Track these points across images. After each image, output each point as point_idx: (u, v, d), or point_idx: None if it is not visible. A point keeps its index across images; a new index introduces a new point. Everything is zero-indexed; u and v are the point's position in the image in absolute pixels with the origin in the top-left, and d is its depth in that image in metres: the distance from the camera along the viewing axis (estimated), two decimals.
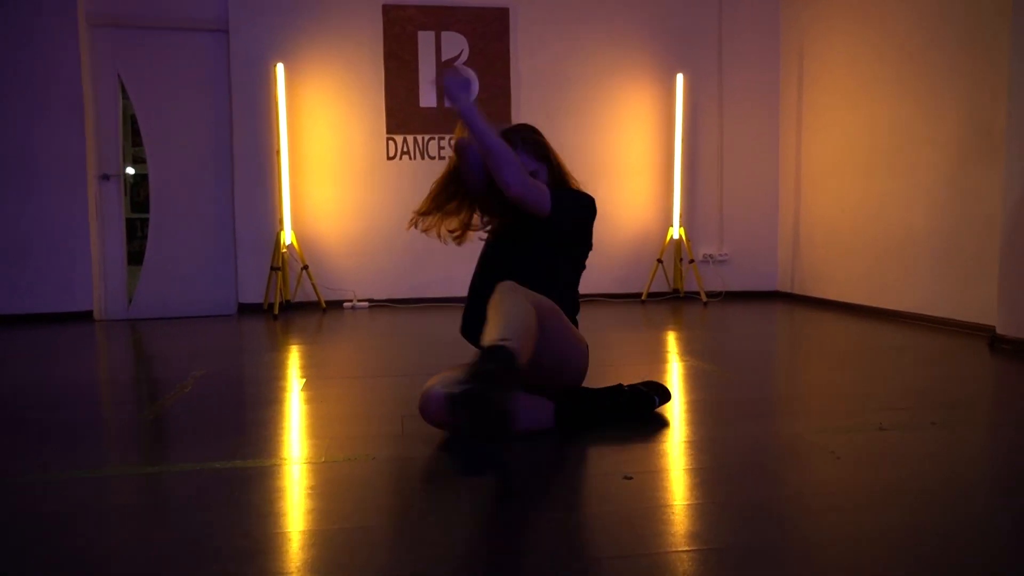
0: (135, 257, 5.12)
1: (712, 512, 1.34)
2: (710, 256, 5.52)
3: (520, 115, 5.25)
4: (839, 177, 4.80)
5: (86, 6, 4.77)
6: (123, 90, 4.93)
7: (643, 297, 5.31)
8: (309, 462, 1.68)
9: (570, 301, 2.06)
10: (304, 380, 2.66)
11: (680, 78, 5.25)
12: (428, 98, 5.16)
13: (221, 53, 4.95)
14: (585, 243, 2.12)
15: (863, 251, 4.54)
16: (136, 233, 5.26)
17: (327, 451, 1.76)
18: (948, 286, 3.81)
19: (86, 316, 4.82)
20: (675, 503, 1.40)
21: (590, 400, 1.94)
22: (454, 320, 4.26)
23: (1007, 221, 3.14)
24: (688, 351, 3.20)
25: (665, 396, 2.06)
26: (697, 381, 2.54)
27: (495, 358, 1.41)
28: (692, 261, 5.23)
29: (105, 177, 4.91)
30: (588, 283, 5.37)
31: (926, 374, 2.69)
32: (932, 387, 2.43)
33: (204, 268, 5.06)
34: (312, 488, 1.51)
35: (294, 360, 3.17)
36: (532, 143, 2.10)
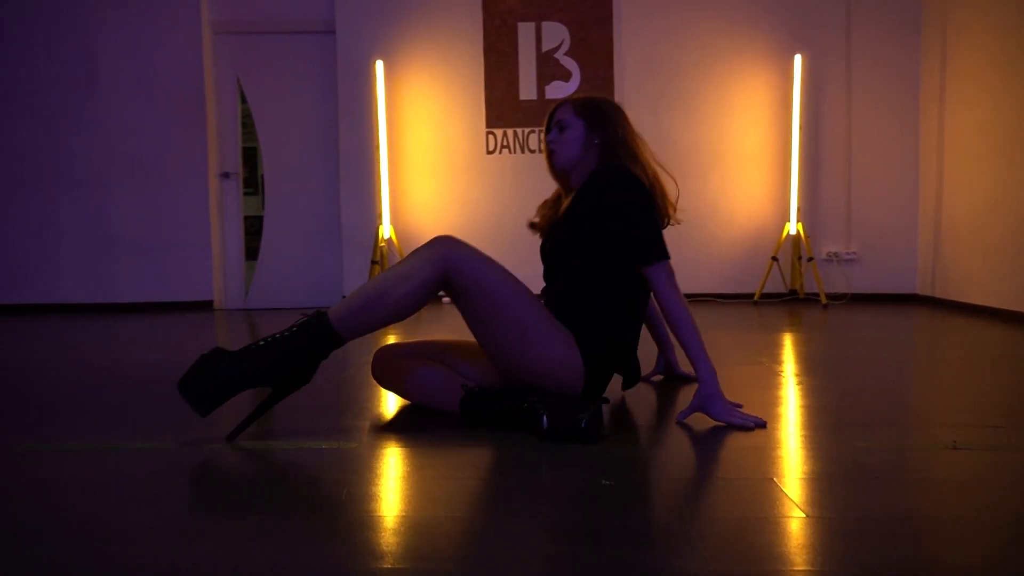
0: (252, 253, 5.40)
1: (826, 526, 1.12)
2: (835, 254, 5.01)
3: (624, 105, 4.93)
4: (989, 166, 4.18)
5: (210, 16, 5.10)
6: (241, 93, 5.21)
7: (755, 298, 4.91)
8: (396, 446, 1.61)
9: (604, 327, 1.77)
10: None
11: (798, 59, 4.80)
12: (528, 90, 5.05)
13: (328, 53, 5.11)
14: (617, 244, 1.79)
15: (1021, 251, 3.92)
16: (251, 229, 5.55)
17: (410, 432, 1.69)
18: None
19: (207, 305, 5.14)
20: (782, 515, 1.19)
21: (496, 398, 1.70)
22: None
23: None
24: (795, 356, 2.87)
25: (591, 418, 1.57)
26: (800, 389, 2.25)
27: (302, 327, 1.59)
28: (811, 259, 4.75)
29: (225, 175, 5.21)
30: (696, 282, 5.09)
31: None
32: None
33: (312, 262, 5.24)
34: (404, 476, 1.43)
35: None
36: (581, 100, 1.94)
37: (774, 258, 4.86)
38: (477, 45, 5.03)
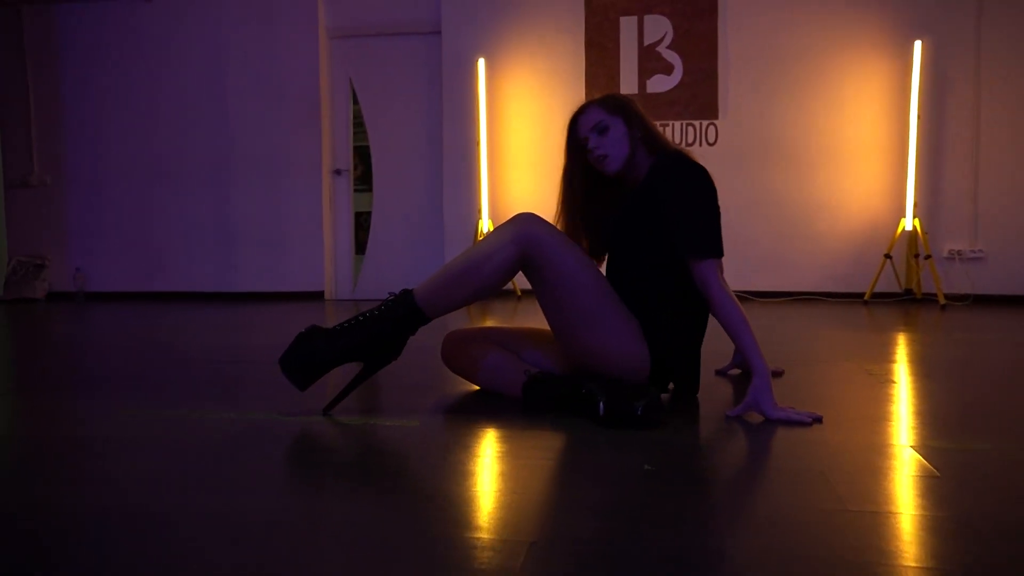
0: (360, 247, 5.66)
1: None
2: (958, 252, 4.70)
3: (728, 98, 4.91)
4: None
5: (326, 21, 5.38)
6: (353, 93, 5.47)
7: (866, 297, 4.68)
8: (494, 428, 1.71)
9: (672, 321, 1.76)
10: None
11: (918, 45, 4.53)
12: (629, 85, 5.02)
13: (434, 53, 5.28)
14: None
15: None
16: (362, 224, 5.81)
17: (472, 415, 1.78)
18: None
19: (319, 296, 5.43)
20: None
21: (556, 384, 1.72)
22: None
23: None
24: (905, 358, 2.74)
25: (647, 405, 1.57)
26: (912, 395, 2.16)
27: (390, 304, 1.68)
28: (928, 256, 4.48)
29: (337, 172, 5.49)
30: (803, 280, 4.90)
31: None
32: None
33: (416, 255, 5.43)
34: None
35: None
36: (605, 98, 1.86)
37: (887, 255, 4.61)
38: (579, 40, 5.06)
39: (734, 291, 1.75)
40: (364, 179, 5.58)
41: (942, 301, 4.42)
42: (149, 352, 2.91)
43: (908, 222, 4.58)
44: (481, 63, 5.02)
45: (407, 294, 1.69)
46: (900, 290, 4.72)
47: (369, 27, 5.37)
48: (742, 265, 4.77)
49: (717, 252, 1.69)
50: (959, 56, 4.65)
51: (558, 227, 1.92)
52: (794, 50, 4.82)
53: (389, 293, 1.75)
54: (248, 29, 5.40)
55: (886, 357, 2.62)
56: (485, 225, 5.03)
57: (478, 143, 5.05)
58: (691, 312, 1.79)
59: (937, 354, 2.78)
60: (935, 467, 1.33)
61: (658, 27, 4.97)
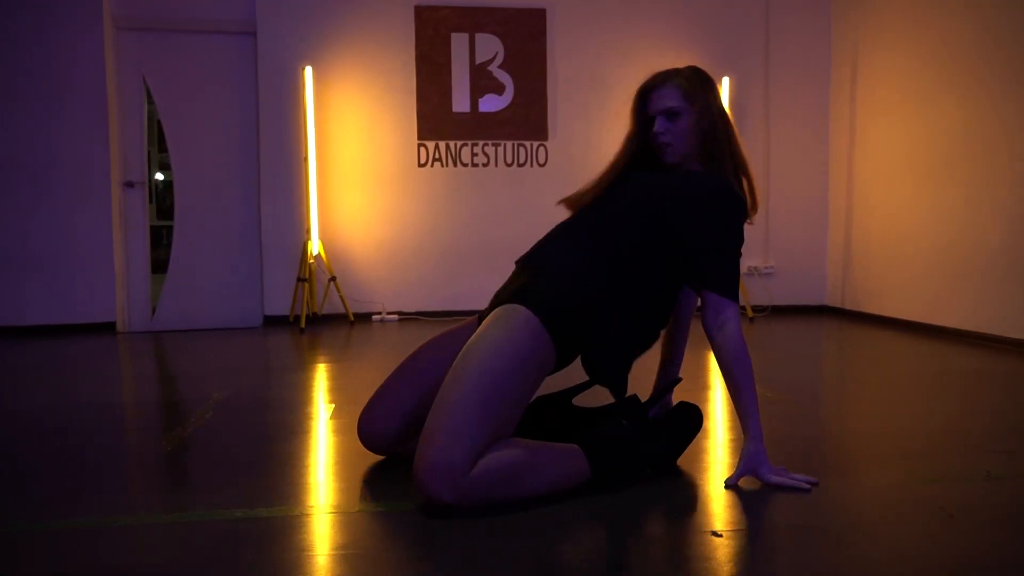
0: (159, 265, 4.98)
1: None
2: (755, 269, 5.24)
3: (557, 118, 5.02)
4: (897, 187, 4.51)
5: (112, 9, 4.64)
6: (148, 94, 4.79)
7: None
8: (340, 512, 1.46)
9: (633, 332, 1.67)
10: (333, 406, 2.45)
11: (727, 81, 4.99)
12: (462, 103, 4.94)
13: (248, 56, 4.79)
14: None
15: (924, 265, 4.25)
16: (161, 241, 5.12)
17: (361, 498, 1.54)
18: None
19: (108, 328, 4.67)
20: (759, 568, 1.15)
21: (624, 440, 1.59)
22: None
23: None
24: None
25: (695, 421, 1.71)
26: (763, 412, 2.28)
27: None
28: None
29: (129, 184, 4.77)
30: None
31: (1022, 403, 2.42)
32: None
33: (229, 279, 4.89)
34: (342, 547, 1.29)
35: (321, 381, 2.96)
36: (687, 78, 1.72)
37: None
38: (409, 54, 4.87)
39: None
40: (166, 191, 4.91)
41: (750, 314, 4.89)
42: None
43: None
44: (308, 72, 4.63)
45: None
46: None
47: (166, 20, 4.73)
48: None
49: (737, 296, 1.63)
50: (754, 92, 5.18)
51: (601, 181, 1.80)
52: (619, 78, 5.05)
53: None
54: (19, 15, 4.47)
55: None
56: (315, 247, 4.65)
57: (306, 157, 4.67)
58: (642, 322, 1.67)
59: (797, 371, 3.04)
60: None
61: (489, 46, 4.94)
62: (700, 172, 1.74)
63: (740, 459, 1.60)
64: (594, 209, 1.75)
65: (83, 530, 1.39)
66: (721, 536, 1.33)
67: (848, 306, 5.05)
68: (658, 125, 1.70)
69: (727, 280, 1.61)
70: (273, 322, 4.82)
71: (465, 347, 1.52)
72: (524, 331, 1.51)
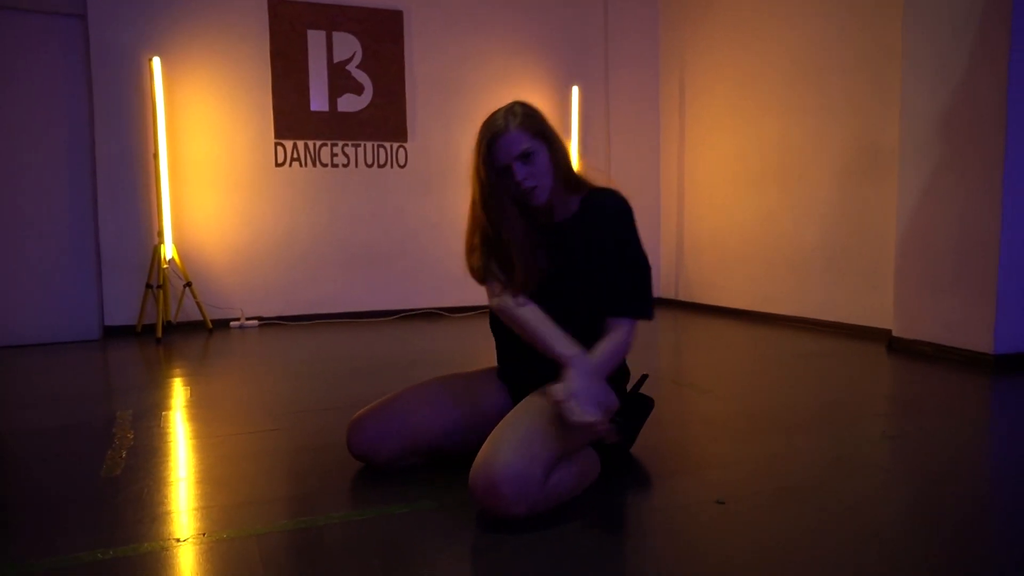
0: None
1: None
2: None
3: (416, 120, 5.07)
4: (727, 189, 5.10)
5: None
6: None
7: None
8: (196, 542, 1.46)
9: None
10: (189, 425, 2.36)
11: (576, 90, 5.32)
12: (320, 101, 4.83)
13: (77, 41, 4.33)
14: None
15: (754, 260, 4.85)
16: None
17: (217, 525, 1.48)
18: (841, 292, 4.16)
19: None
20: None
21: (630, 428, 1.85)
22: (351, 339, 4.02)
23: (901, 232, 3.47)
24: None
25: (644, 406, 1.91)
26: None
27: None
28: None
29: None
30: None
31: (842, 373, 2.91)
32: (851, 387, 2.63)
33: (59, 287, 4.39)
34: None
35: (178, 397, 2.73)
36: (524, 116, 1.66)
37: None
38: (264, 48, 4.68)
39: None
40: None
41: None
42: None
43: None
44: (157, 63, 4.29)
45: None
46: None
47: None
48: (432, 282, 5.03)
49: (649, 314, 1.70)
50: (596, 99, 5.57)
51: (473, 261, 1.73)
52: (474, 82, 5.20)
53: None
54: None
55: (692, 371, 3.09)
56: (169, 251, 4.32)
57: (156, 154, 4.32)
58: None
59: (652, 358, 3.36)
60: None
61: (347, 45, 4.87)
62: (584, 197, 1.75)
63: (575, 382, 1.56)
64: (560, 281, 1.73)
65: None
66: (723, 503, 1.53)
67: (682, 297, 5.62)
68: (518, 173, 1.63)
69: (639, 302, 1.72)
70: (115, 333, 4.41)
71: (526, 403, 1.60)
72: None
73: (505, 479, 1.37)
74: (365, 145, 4.97)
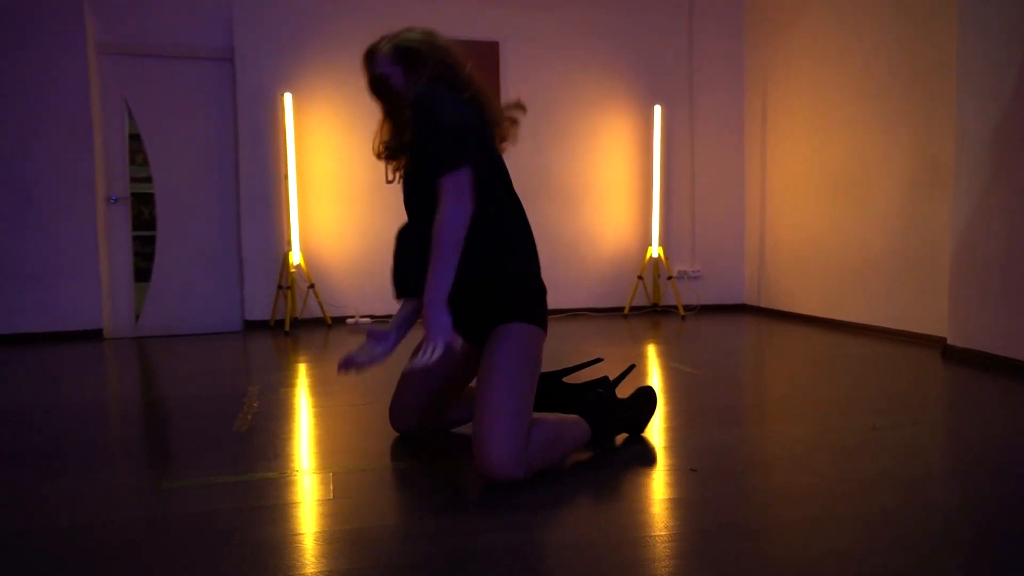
0: (142, 274, 5.28)
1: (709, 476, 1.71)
2: (684, 272, 5.96)
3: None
4: (801, 201, 5.30)
5: (95, 35, 4.94)
6: (129, 115, 5.10)
7: (626, 311, 5.72)
8: (308, 473, 1.99)
9: (522, 247, 1.98)
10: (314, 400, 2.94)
11: (658, 109, 5.69)
12: None
13: (225, 81, 5.17)
14: (491, 169, 1.93)
15: (823, 268, 5.04)
16: (143, 249, 5.41)
17: (323, 463, 2.07)
18: (902, 301, 4.32)
19: (95, 334, 4.97)
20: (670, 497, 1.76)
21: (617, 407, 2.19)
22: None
23: (956, 244, 3.63)
24: (675, 357, 3.59)
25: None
26: (686, 386, 2.92)
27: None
28: (671, 277, 5.66)
29: (112, 199, 5.07)
30: (573, 298, 5.80)
31: (900, 378, 3.14)
32: (908, 391, 2.87)
33: (209, 286, 5.25)
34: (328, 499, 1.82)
35: (299, 378, 3.41)
36: (396, 45, 1.95)
37: (639, 277, 5.70)
38: None
39: None
40: (143, 203, 5.22)
41: (682, 312, 5.61)
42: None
43: (655, 250, 5.71)
44: (288, 98, 5.06)
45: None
46: (649, 304, 5.85)
47: (147, 46, 5.06)
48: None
49: (450, 163, 1.70)
50: (680, 116, 5.91)
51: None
52: (564, 104, 5.68)
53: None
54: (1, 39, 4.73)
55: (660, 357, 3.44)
56: (296, 257, 5.08)
57: (286, 176, 5.09)
58: (515, 232, 1.98)
59: (721, 357, 3.69)
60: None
61: None
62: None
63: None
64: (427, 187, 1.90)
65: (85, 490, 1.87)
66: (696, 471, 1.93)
67: (763, 304, 5.84)
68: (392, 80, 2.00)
69: (437, 160, 1.74)
70: (253, 326, 5.21)
71: (488, 363, 1.82)
72: (527, 337, 1.93)
73: (502, 469, 1.72)
74: None
